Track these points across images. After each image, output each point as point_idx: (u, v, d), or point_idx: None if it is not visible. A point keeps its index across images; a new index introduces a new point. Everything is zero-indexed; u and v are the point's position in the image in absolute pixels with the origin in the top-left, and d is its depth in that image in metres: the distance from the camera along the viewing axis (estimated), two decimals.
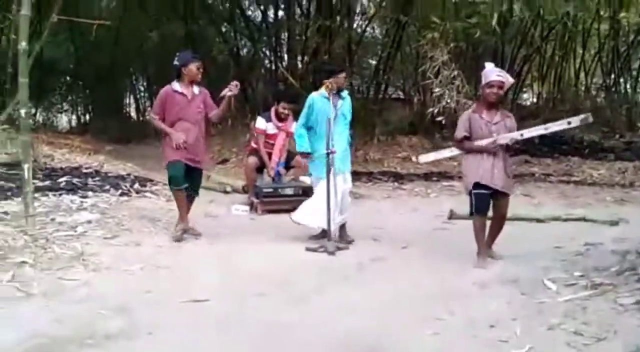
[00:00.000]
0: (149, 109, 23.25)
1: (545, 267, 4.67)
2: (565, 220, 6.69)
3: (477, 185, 4.91)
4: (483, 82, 5.05)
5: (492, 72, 5.04)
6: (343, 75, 5.85)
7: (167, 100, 5.74)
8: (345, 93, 5.94)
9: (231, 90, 5.74)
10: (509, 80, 5.13)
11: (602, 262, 4.50)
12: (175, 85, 5.73)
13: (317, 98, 5.78)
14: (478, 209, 4.95)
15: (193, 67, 5.71)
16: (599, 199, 8.45)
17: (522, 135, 5.03)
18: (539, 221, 6.69)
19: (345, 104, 5.90)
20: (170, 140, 5.68)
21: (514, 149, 5.19)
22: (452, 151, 5.41)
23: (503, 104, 14.44)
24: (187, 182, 5.75)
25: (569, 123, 5.08)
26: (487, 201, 4.95)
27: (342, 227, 5.91)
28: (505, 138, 4.93)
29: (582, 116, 5.07)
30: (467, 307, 3.86)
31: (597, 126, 13.90)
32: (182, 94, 5.70)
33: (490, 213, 5.06)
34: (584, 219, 6.65)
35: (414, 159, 6.41)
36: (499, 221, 5.09)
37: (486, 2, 7.83)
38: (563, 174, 10.84)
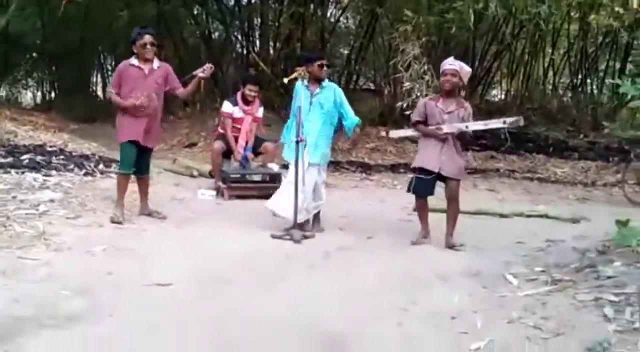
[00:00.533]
0: (112, 80, 23.00)
1: (507, 261, 4.73)
2: (528, 216, 6.80)
3: (420, 169, 5.28)
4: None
5: (446, 62, 5.35)
6: (317, 63, 5.72)
7: (122, 74, 5.60)
8: (326, 83, 5.82)
9: (204, 71, 5.64)
10: (463, 68, 5.31)
11: (562, 259, 4.57)
12: (133, 60, 5.58)
13: (299, 86, 5.73)
14: (415, 191, 5.33)
15: (140, 42, 5.51)
16: (561, 197, 8.62)
17: (467, 127, 5.28)
18: (502, 216, 6.79)
19: (324, 93, 5.74)
20: (125, 118, 5.57)
21: (464, 139, 5.42)
22: (414, 131, 5.63)
23: (471, 98, 14.59)
24: (138, 162, 5.69)
25: (504, 122, 5.40)
26: (428, 185, 5.28)
27: (316, 215, 5.90)
28: (451, 127, 5.21)
29: (514, 118, 5.45)
30: (429, 299, 3.89)
31: (563, 125, 14.16)
32: (138, 67, 5.55)
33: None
34: (546, 216, 6.78)
35: (383, 133, 6.68)
36: (452, 203, 5.32)
37: None
38: (527, 170, 11.02)
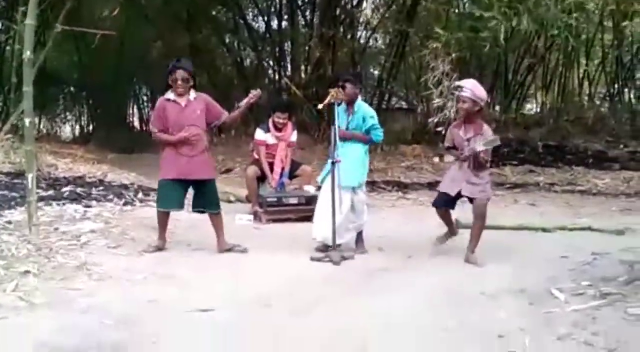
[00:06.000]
0: (152, 118, 23.39)
1: (552, 276, 4.63)
2: (571, 229, 6.65)
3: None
4: None
5: (459, 87, 5.46)
6: (347, 85, 5.64)
7: (161, 110, 5.50)
8: (358, 103, 5.74)
9: (252, 98, 5.56)
10: (475, 93, 5.29)
11: (610, 272, 4.46)
12: (169, 94, 5.48)
13: (339, 108, 5.71)
14: (435, 203, 5.64)
15: (172, 78, 5.40)
16: (604, 209, 8.42)
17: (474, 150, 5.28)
18: (544, 230, 6.65)
19: (356, 115, 5.69)
20: (167, 155, 5.48)
21: (478, 160, 5.27)
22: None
23: (506, 112, 14.42)
24: (198, 197, 5.60)
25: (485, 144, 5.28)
26: (446, 200, 5.49)
27: (359, 236, 5.86)
28: (469, 150, 5.28)
29: (492, 138, 5.25)
30: (475, 318, 3.82)
31: (601, 135, 13.90)
32: (174, 101, 5.44)
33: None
34: (589, 229, 6.62)
35: (436, 160, 6.80)
36: (476, 221, 5.35)
37: (495, 17, 7.80)
38: (568, 183, 10.81)
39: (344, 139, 5.58)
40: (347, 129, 5.66)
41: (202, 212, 5.67)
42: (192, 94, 5.48)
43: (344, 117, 5.70)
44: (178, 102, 5.43)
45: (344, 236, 5.62)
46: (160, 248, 5.57)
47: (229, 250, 5.62)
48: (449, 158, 6.57)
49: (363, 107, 5.78)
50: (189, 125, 5.40)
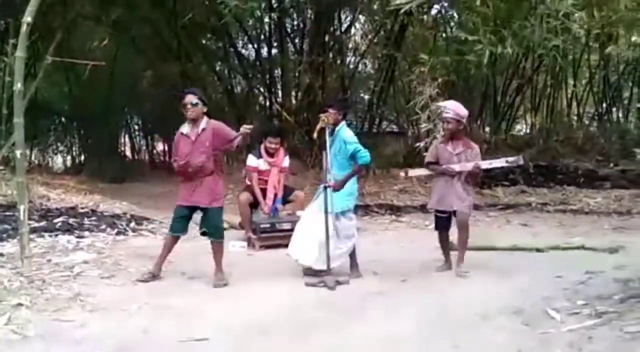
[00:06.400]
0: (143, 147, 23.43)
1: (547, 297, 4.62)
2: (565, 249, 6.66)
3: (437, 210, 5.87)
4: None
5: (442, 109, 5.93)
6: (330, 110, 5.72)
7: (176, 144, 5.67)
8: (337, 128, 5.78)
9: (246, 131, 5.48)
10: (458, 113, 5.71)
11: (604, 291, 4.47)
12: (183, 127, 5.59)
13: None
14: (436, 227, 5.98)
15: (182, 103, 5.52)
16: (596, 227, 8.45)
17: (472, 166, 5.70)
18: (538, 250, 6.66)
19: (337, 138, 5.74)
20: (181, 183, 5.61)
21: (475, 176, 5.86)
22: (429, 171, 6.06)
23: (496, 134, 14.53)
24: (203, 222, 5.66)
25: (507, 161, 6.08)
26: (444, 221, 5.88)
27: (353, 260, 5.84)
28: (463, 166, 5.69)
29: (515, 158, 6.12)
30: (471, 340, 3.81)
31: (591, 155, 13.98)
32: (186, 136, 5.55)
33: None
34: (583, 248, 6.63)
35: (402, 174, 6.84)
36: (462, 231, 5.78)
37: (479, 40, 7.89)
38: (560, 203, 10.86)
39: (341, 187, 5.64)
40: (332, 151, 5.67)
41: (205, 234, 5.68)
42: (204, 122, 5.52)
43: (330, 143, 5.73)
44: (189, 136, 5.52)
45: (335, 261, 5.61)
46: (155, 275, 5.55)
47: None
48: (414, 172, 6.68)
49: (342, 132, 5.76)
50: (197, 164, 5.46)
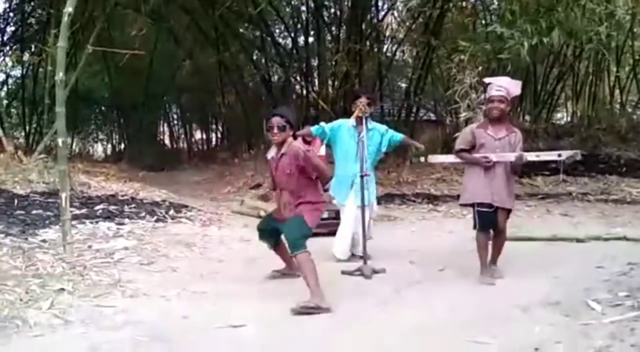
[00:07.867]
0: (182, 136, 23.71)
1: (588, 288, 4.53)
2: (606, 239, 6.52)
3: (480, 203, 5.00)
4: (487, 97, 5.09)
5: (492, 88, 5.04)
6: (361, 100, 5.76)
7: (270, 169, 5.26)
8: (371, 124, 5.90)
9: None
10: (510, 92, 5.03)
11: None
12: (269, 152, 5.15)
13: (344, 126, 5.87)
14: (482, 226, 5.05)
15: (268, 126, 4.96)
16: (639, 218, 8.25)
17: (515, 157, 4.95)
18: (578, 241, 6.54)
19: (373, 135, 5.92)
20: None
21: (517, 168, 5.09)
22: (456, 158, 5.38)
23: (536, 122, 14.25)
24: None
25: (559, 155, 5.22)
26: (491, 218, 5.01)
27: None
28: (501, 157, 4.96)
29: (572, 152, 5.21)
30: (509, 331, 3.76)
31: (634, 144, 13.67)
32: (272, 158, 5.09)
33: None
34: (625, 238, 6.48)
35: (422, 159, 6.52)
36: (500, 235, 5.14)
37: (521, 31, 7.71)
38: (601, 192, 10.63)
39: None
40: (357, 144, 5.78)
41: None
42: (285, 147, 4.92)
43: (355, 134, 5.75)
44: (273, 161, 5.08)
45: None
46: (283, 273, 5.40)
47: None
48: (437, 159, 6.18)
49: (376, 129, 6.01)
50: (281, 189, 5.04)
